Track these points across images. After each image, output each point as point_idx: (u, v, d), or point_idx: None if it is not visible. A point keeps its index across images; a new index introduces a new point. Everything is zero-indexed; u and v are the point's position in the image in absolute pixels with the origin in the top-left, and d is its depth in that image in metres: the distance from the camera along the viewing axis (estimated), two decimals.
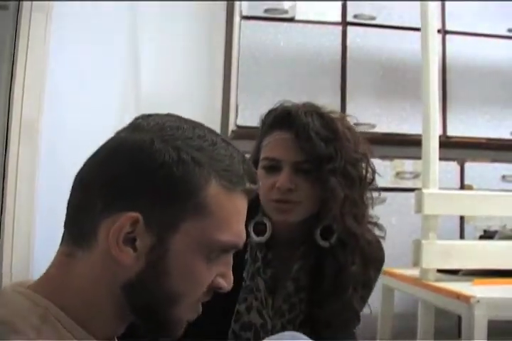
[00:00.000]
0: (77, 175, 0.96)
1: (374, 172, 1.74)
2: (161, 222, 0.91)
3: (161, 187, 0.91)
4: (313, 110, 1.70)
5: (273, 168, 1.67)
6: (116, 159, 0.93)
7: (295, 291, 1.72)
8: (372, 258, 1.74)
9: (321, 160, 1.63)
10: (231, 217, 0.96)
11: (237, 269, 1.71)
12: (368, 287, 1.76)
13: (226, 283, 1.00)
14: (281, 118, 1.71)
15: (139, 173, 0.91)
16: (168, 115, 1.01)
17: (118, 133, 0.98)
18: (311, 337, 1.53)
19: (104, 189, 0.92)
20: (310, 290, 1.72)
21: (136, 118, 0.99)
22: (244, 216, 1.00)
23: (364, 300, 1.77)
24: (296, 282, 1.72)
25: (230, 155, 0.97)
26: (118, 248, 0.90)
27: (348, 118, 1.77)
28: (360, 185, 1.69)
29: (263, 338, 1.64)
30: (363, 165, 1.71)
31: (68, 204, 0.96)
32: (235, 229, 0.97)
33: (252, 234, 1.71)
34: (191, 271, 0.94)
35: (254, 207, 1.62)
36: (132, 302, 0.94)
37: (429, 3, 2.72)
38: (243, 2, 3.60)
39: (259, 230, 1.72)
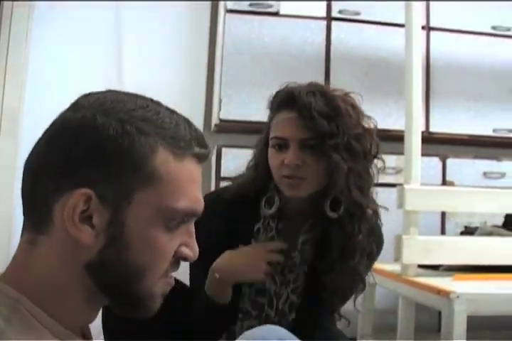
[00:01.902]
0: (26, 162, 0.95)
1: (378, 145, 1.83)
2: (115, 196, 0.90)
3: (109, 161, 0.90)
4: (315, 89, 1.78)
5: (281, 146, 1.78)
6: (60, 139, 0.92)
7: (300, 263, 1.84)
8: (378, 228, 1.87)
9: (324, 137, 1.72)
10: (184, 183, 0.95)
11: (246, 238, 1.82)
12: (371, 257, 1.87)
13: (191, 253, 0.99)
14: (286, 99, 1.80)
15: (84, 149, 0.90)
16: (109, 91, 1.00)
17: (60, 114, 0.96)
18: (316, 305, 1.75)
19: (53, 170, 0.91)
20: (315, 262, 1.83)
21: (76, 99, 0.98)
22: (199, 181, 0.99)
23: (368, 268, 1.88)
24: (302, 254, 1.84)
25: (176, 122, 0.96)
26: (75, 227, 0.89)
27: (352, 95, 1.83)
28: (365, 158, 1.78)
29: (276, 304, 1.81)
30: (368, 139, 1.79)
31: (22, 191, 0.95)
32: (190, 195, 0.96)
33: (263, 208, 1.86)
34: (152, 242, 0.93)
35: (266, 183, 1.85)
36: (99, 281, 0.93)
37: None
38: None
39: (271, 204, 1.86)
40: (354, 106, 1.80)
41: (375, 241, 1.86)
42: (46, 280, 0.91)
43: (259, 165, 1.87)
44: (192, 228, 1.00)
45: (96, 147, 0.90)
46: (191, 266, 1.81)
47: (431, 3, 3.82)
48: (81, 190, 0.89)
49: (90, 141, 0.90)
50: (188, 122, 0.98)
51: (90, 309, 0.97)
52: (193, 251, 0.99)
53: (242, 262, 1.77)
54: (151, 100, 0.99)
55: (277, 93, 1.87)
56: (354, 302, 1.88)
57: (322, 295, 1.78)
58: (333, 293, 1.80)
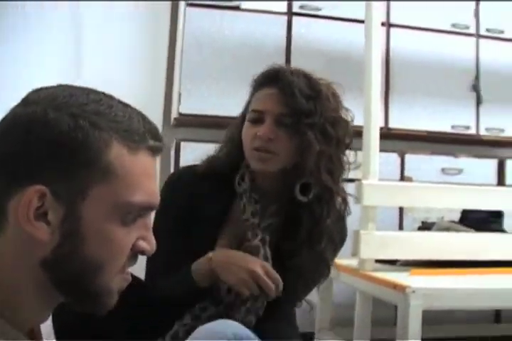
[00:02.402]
0: None
1: (351, 138, 1.84)
2: (69, 191, 0.89)
3: (62, 156, 0.89)
4: (300, 72, 1.82)
5: (257, 120, 1.80)
6: (10, 135, 0.91)
7: (261, 243, 1.81)
8: (344, 217, 1.88)
9: (301, 115, 1.74)
10: (139, 176, 0.94)
11: (216, 210, 1.84)
12: (339, 242, 1.89)
13: (148, 246, 0.99)
14: (269, 76, 1.83)
15: (36, 145, 0.89)
16: (60, 85, 0.98)
17: (11, 110, 0.95)
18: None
19: (4, 167, 0.90)
20: (280, 245, 1.82)
21: (27, 94, 0.96)
22: (154, 174, 0.98)
23: (333, 255, 1.89)
24: (263, 236, 1.82)
25: (129, 115, 0.95)
26: (31, 224, 0.88)
27: (334, 86, 1.86)
28: (337, 145, 1.79)
29: None
30: (343, 128, 1.81)
31: None
32: (146, 188, 0.95)
33: (237, 185, 1.86)
34: (108, 237, 0.92)
35: (238, 159, 1.86)
36: (54, 278, 0.92)
37: None
38: None
39: (243, 180, 1.87)
40: (335, 94, 1.83)
41: (341, 229, 1.88)
42: (0, 279, 0.91)
43: (233, 141, 1.88)
44: (149, 221, 0.99)
45: (48, 143, 0.89)
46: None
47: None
48: (35, 187, 0.88)
49: (42, 137, 0.89)
50: (141, 115, 0.98)
51: (44, 308, 0.96)
52: (150, 244, 0.99)
53: (235, 268, 1.71)
54: (104, 94, 0.98)
55: (262, 72, 1.88)
56: (318, 288, 1.91)
57: (285, 280, 1.75)
58: (297, 278, 1.79)
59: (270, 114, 1.78)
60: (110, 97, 0.97)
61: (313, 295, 1.94)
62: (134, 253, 0.98)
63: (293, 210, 1.82)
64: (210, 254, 1.74)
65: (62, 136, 0.89)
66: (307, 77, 1.80)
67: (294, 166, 1.79)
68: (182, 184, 1.89)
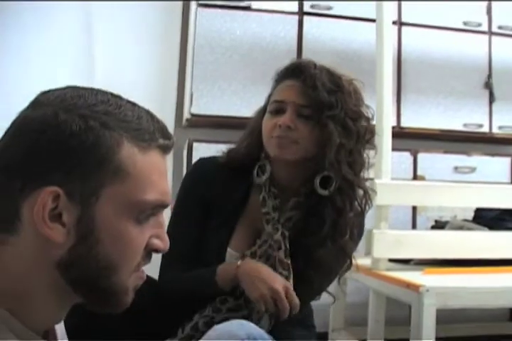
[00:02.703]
0: None
1: (373, 133, 1.88)
2: (83, 192, 0.90)
3: (75, 158, 0.90)
4: (324, 67, 1.84)
5: (278, 110, 1.82)
6: (22, 138, 0.91)
7: (281, 238, 1.82)
8: (364, 210, 1.87)
9: (322, 107, 1.77)
10: (151, 175, 0.95)
11: (235, 201, 1.87)
12: (360, 235, 1.92)
13: (162, 244, 0.99)
14: (292, 68, 1.86)
15: (49, 147, 0.90)
16: (68, 87, 0.99)
17: (20, 113, 0.95)
18: (300, 282, 1.76)
19: (18, 170, 0.90)
20: (301, 238, 1.82)
21: (36, 96, 0.97)
22: (166, 172, 0.99)
23: (355, 246, 1.91)
24: (283, 228, 1.84)
25: (138, 115, 0.95)
26: (46, 226, 0.89)
27: (356, 83, 1.87)
28: (358, 140, 1.81)
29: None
30: (363, 123, 1.83)
31: None
32: (158, 186, 0.96)
33: (255, 176, 1.88)
34: (123, 236, 0.93)
35: (258, 151, 1.88)
36: (70, 278, 0.93)
37: None
38: None
39: (263, 172, 1.88)
40: (356, 91, 1.85)
41: (359, 223, 1.89)
42: (16, 281, 0.91)
43: (253, 133, 1.90)
44: (162, 219, 1.00)
45: (60, 144, 0.89)
46: (172, 227, 1.84)
47: None
48: (49, 188, 0.88)
49: (54, 139, 0.90)
50: (150, 114, 0.98)
51: (59, 308, 0.97)
52: (163, 242, 0.99)
53: (260, 283, 1.71)
54: (111, 94, 0.98)
55: (285, 65, 1.90)
56: (339, 280, 1.91)
57: (306, 273, 1.79)
58: (318, 271, 1.81)
59: (291, 104, 1.80)
60: (118, 97, 0.98)
61: (326, 294, 1.93)
62: (148, 251, 0.98)
63: (313, 204, 1.83)
64: (239, 262, 1.76)
65: (73, 137, 0.89)
66: (330, 72, 1.82)
67: (313, 158, 1.80)
68: (202, 174, 1.93)
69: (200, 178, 1.92)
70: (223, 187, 1.89)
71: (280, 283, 1.71)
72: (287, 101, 1.81)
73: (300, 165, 1.83)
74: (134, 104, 0.98)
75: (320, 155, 1.78)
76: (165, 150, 0.99)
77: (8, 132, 0.94)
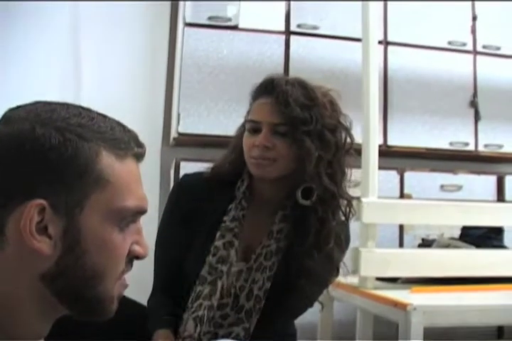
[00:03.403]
0: None
1: (352, 142, 1.90)
2: (67, 204, 0.91)
3: (56, 170, 0.91)
4: (296, 81, 1.87)
5: (255, 130, 1.85)
6: (1, 154, 0.92)
7: (276, 250, 1.87)
8: (347, 219, 1.93)
9: (297, 124, 1.79)
10: (130, 182, 0.97)
11: (218, 214, 1.88)
12: (346, 243, 1.96)
13: (143, 250, 1.01)
14: (265, 85, 1.89)
15: (29, 162, 0.90)
16: (37, 102, 0.99)
17: None
18: (289, 292, 1.81)
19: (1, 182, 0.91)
20: (291, 249, 1.87)
21: (5, 113, 0.97)
22: (141, 179, 1.01)
23: (342, 255, 1.94)
24: (277, 242, 1.88)
25: (111, 125, 0.97)
26: (34, 239, 0.89)
27: (332, 93, 1.91)
28: (337, 150, 1.84)
29: (251, 289, 1.85)
30: (342, 133, 1.87)
31: None
32: (136, 193, 0.98)
33: (237, 189, 1.93)
34: (108, 244, 0.95)
35: (241, 166, 1.91)
36: (57, 290, 0.93)
37: (370, 14, 2.78)
38: (187, 9, 3.60)
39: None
40: (332, 102, 1.88)
41: (344, 232, 1.93)
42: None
43: (236, 149, 1.94)
44: (140, 225, 1.02)
45: (40, 158, 0.90)
46: (157, 248, 1.95)
47: (388, 18, 3.87)
48: (34, 202, 0.89)
49: (34, 153, 0.90)
50: (121, 124, 1.00)
51: (45, 321, 0.97)
52: (143, 248, 1.01)
53: None
54: (82, 107, 1.00)
55: (260, 82, 1.94)
56: (327, 289, 1.95)
57: (297, 283, 1.83)
58: (308, 280, 1.84)
59: (266, 123, 1.83)
60: (89, 110, 0.99)
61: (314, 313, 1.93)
62: (130, 258, 1.00)
63: (299, 215, 1.87)
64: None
65: (52, 150, 0.90)
66: (303, 86, 1.85)
67: (294, 172, 1.84)
68: (187, 188, 1.98)
69: (185, 193, 1.97)
70: (208, 200, 1.93)
71: None
72: (262, 121, 1.84)
73: (281, 180, 1.87)
74: (104, 116, 0.99)
75: (300, 169, 1.81)
76: (139, 158, 1.01)
77: None
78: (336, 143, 1.84)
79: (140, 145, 1.01)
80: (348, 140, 1.88)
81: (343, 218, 1.90)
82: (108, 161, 0.94)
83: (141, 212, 1.00)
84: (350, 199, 1.89)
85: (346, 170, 1.88)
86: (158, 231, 2.00)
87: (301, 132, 1.78)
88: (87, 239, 0.92)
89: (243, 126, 1.94)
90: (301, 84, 1.85)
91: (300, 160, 1.81)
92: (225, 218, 1.90)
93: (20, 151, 0.90)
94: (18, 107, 0.98)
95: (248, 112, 1.94)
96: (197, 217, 1.92)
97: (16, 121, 0.93)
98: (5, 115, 0.97)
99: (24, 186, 0.90)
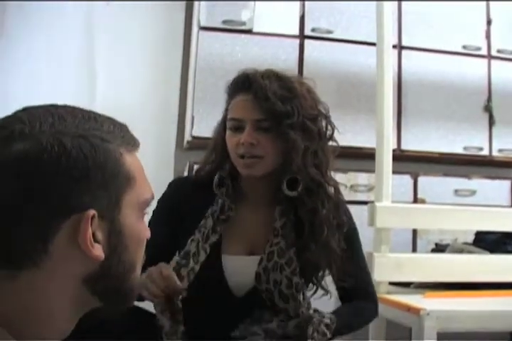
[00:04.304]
0: None
1: (333, 128, 1.91)
2: (108, 207, 0.93)
3: (95, 178, 0.91)
4: (271, 73, 1.87)
5: (238, 127, 1.85)
6: (34, 173, 0.88)
7: (286, 247, 1.86)
8: (341, 201, 1.93)
9: (279, 117, 1.80)
10: (143, 175, 1.00)
11: (198, 215, 1.88)
12: (341, 230, 1.92)
13: (148, 233, 1.04)
14: (241, 82, 1.88)
15: (70, 176, 0.89)
16: (25, 110, 0.95)
17: (6, 149, 0.89)
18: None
19: (37, 206, 0.89)
20: (298, 243, 1.88)
21: (11, 128, 0.91)
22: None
23: (340, 240, 1.92)
24: (285, 238, 1.87)
25: (113, 123, 0.99)
26: (93, 249, 0.91)
27: (306, 81, 1.92)
28: (320, 139, 1.86)
29: (279, 290, 1.83)
30: (323, 121, 1.88)
31: None
32: (148, 183, 1.02)
33: (215, 188, 1.91)
34: (141, 236, 1.00)
35: (223, 165, 1.92)
36: (99, 290, 0.95)
37: (385, 16, 2.78)
38: (201, 13, 3.61)
39: (222, 183, 1.93)
40: (309, 90, 1.89)
41: (339, 215, 1.91)
42: (31, 311, 0.91)
43: (217, 148, 1.94)
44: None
45: (79, 169, 0.90)
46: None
47: (403, 22, 3.86)
48: (86, 214, 0.90)
49: (72, 166, 0.89)
50: (114, 119, 1.01)
51: (74, 321, 0.98)
52: (148, 231, 1.04)
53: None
54: (74, 107, 0.99)
55: (233, 78, 1.93)
56: (333, 277, 1.94)
57: (306, 274, 1.87)
58: (313, 271, 1.89)
59: (249, 121, 1.83)
60: (85, 110, 0.99)
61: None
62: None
63: (294, 208, 1.89)
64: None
65: (87, 159, 0.91)
66: (279, 78, 1.86)
67: (281, 166, 1.85)
68: (175, 190, 2.00)
69: (171, 194, 1.99)
70: (192, 200, 1.94)
71: (156, 268, 1.70)
72: (244, 119, 1.84)
73: (270, 175, 1.88)
74: (100, 114, 1.00)
75: (286, 162, 1.83)
76: (137, 149, 1.03)
77: (6, 171, 0.89)
78: (319, 132, 1.86)
79: (133, 136, 1.03)
80: (329, 127, 1.90)
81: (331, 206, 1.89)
82: (129, 159, 0.97)
83: (152, 200, 1.03)
84: (337, 186, 1.90)
85: (330, 157, 1.88)
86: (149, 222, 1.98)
87: (285, 125, 1.79)
88: (127, 236, 0.96)
89: (222, 123, 1.94)
90: (277, 77, 1.86)
91: (287, 153, 1.82)
92: (203, 220, 1.90)
93: (57, 167, 0.89)
94: (20, 121, 0.92)
95: (226, 110, 1.93)
96: (180, 217, 1.93)
97: (32, 136, 0.90)
98: (13, 131, 0.91)
99: (67, 200, 0.90)
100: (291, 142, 1.79)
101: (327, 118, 1.90)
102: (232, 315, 1.81)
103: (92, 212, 0.90)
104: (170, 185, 2.04)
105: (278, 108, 1.79)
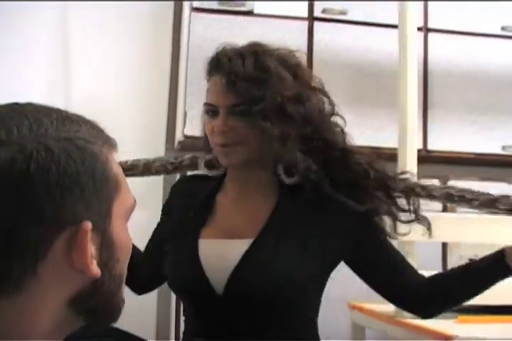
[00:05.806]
0: None
1: (332, 105, 1.94)
2: (99, 218, 0.93)
3: (86, 185, 0.92)
4: (247, 50, 1.89)
5: (213, 112, 1.88)
6: (19, 181, 0.87)
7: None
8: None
9: (251, 102, 1.81)
10: (125, 178, 1.01)
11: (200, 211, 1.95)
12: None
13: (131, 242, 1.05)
14: (213, 63, 1.91)
15: (61, 184, 0.89)
16: (9, 108, 0.95)
17: None
18: None
19: (31, 218, 0.88)
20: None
21: None
22: None
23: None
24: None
25: (84, 121, 0.99)
26: (92, 266, 0.91)
27: (298, 54, 1.96)
28: (309, 121, 1.86)
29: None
30: (314, 98, 1.90)
31: None
32: (129, 188, 1.02)
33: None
34: (128, 248, 1.01)
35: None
36: (88, 308, 0.96)
37: None
38: None
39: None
40: (292, 66, 1.90)
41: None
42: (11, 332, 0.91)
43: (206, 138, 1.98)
44: None
45: (68, 176, 0.90)
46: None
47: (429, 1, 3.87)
48: (82, 227, 0.90)
49: (60, 173, 0.89)
50: (83, 117, 1.01)
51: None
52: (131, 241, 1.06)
53: None
54: (48, 107, 0.98)
55: (210, 57, 1.95)
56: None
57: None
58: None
59: (221, 106, 1.85)
60: (56, 109, 0.98)
61: None
62: None
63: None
64: None
65: (76, 164, 0.91)
66: (254, 55, 1.86)
67: (269, 153, 1.88)
68: (176, 186, 2.12)
69: (173, 191, 2.11)
70: (188, 195, 2.03)
71: None
72: (217, 104, 1.87)
73: (259, 161, 1.90)
74: (74, 114, 0.99)
75: (265, 149, 1.86)
76: (117, 150, 1.03)
77: None
78: (304, 114, 1.85)
79: (108, 134, 1.03)
80: (326, 103, 1.92)
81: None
82: (113, 161, 0.97)
83: (135, 205, 1.04)
84: (358, 151, 2.01)
85: (340, 129, 1.94)
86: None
87: (255, 111, 1.81)
88: (117, 248, 0.97)
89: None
90: (253, 53, 1.87)
91: (265, 139, 1.84)
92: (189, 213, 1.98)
93: (47, 175, 0.88)
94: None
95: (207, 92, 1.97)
96: (176, 213, 2.02)
97: (12, 141, 0.88)
98: None
99: (61, 212, 0.89)
100: (263, 130, 1.82)
101: (322, 91, 1.93)
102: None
103: (88, 223, 0.90)
104: (174, 184, 2.14)
105: (246, 92, 1.81)
